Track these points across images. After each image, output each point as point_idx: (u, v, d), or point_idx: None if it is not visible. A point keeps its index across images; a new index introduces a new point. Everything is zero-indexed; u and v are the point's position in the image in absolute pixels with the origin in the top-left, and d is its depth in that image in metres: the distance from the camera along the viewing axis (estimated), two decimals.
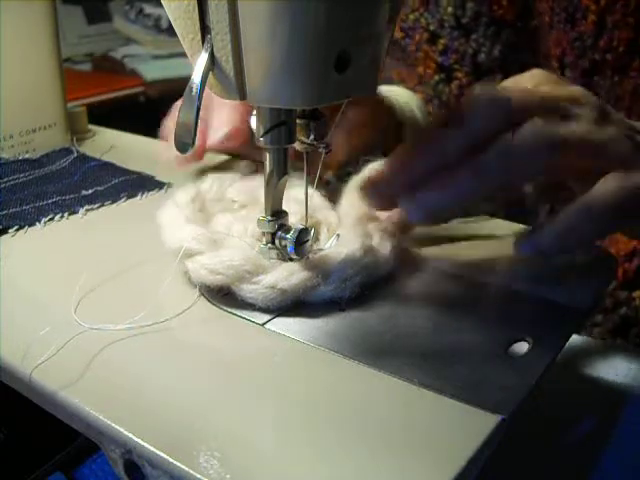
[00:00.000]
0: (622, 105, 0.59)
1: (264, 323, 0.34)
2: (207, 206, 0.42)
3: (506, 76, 0.65)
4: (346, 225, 0.41)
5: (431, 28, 0.67)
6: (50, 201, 0.49)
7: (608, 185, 0.37)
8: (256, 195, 0.44)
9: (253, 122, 0.35)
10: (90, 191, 0.51)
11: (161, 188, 0.53)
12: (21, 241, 0.44)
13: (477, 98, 0.38)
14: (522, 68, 0.64)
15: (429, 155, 0.38)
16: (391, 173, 0.38)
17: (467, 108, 0.37)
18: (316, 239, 0.39)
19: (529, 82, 0.41)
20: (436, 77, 0.68)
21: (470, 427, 0.27)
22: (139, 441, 0.26)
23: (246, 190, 0.44)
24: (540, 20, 0.62)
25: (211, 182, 0.44)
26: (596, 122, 0.38)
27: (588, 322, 0.60)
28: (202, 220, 0.40)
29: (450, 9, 0.65)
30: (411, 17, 0.68)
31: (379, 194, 0.39)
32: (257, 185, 0.44)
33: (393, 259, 0.38)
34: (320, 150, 0.37)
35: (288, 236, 0.36)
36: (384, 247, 0.38)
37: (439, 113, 0.40)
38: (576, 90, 0.40)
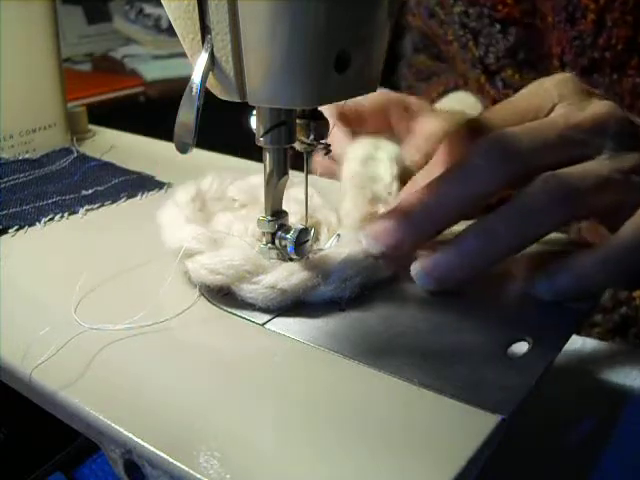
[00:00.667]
0: (622, 103, 0.58)
1: (264, 323, 0.34)
2: (207, 205, 0.42)
3: (519, 72, 0.65)
4: (347, 225, 0.41)
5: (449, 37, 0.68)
6: (50, 201, 0.49)
7: (628, 231, 0.35)
8: (256, 194, 0.44)
9: (253, 122, 0.35)
10: (90, 191, 0.51)
11: (161, 188, 0.53)
12: (21, 241, 0.44)
13: (486, 152, 0.36)
14: (535, 64, 0.65)
15: (433, 214, 0.36)
16: (395, 229, 0.36)
17: (475, 162, 0.35)
18: (316, 239, 0.39)
19: (553, 90, 0.40)
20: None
21: (470, 427, 0.27)
22: (139, 441, 0.26)
23: (247, 188, 0.44)
24: (544, 21, 0.62)
25: (211, 180, 0.44)
26: (618, 152, 0.36)
27: (587, 322, 0.60)
28: (202, 219, 0.40)
29: (457, 16, 0.66)
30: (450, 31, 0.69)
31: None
32: (258, 184, 0.44)
33: (394, 262, 0.38)
34: (320, 150, 0.37)
35: (288, 236, 0.36)
36: None
37: (445, 163, 0.39)
38: (599, 109, 0.38)
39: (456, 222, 0.37)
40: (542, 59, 0.64)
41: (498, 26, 0.64)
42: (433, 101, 0.72)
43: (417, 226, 0.36)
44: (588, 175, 0.36)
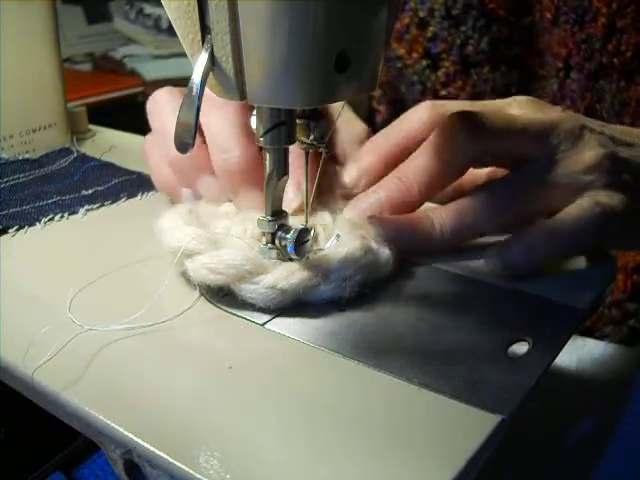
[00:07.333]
0: (627, 111, 0.58)
1: (264, 323, 0.34)
2: (202, 219, 0.42)
3: (493, 69, 0.65)
4: (344, 227, 0.41)
5: (420, 15, 0.66)
6: (50, 201, 0.49)
7: (574, 209, 0.39)
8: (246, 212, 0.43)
9: (253, 122, 0.35)
10: (90, 191, 0.52)
11: None
12: (21, 241, 0.44)
13: (457, 131, 0.39)
14: (513, 62, 0.64)
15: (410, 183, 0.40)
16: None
17: (447, 139, 0.39)
18: (315, 239, 0.39)
19: (515, 110, 0.42)
20: (423, 62, 0.68)
21: (470, 427, 0.27)
22: (139, 441, 0.26)
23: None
24: (540, 16, 0.61)
25: (204, 203, 0.44)
26: (572, 147, 0.40)
27: (598, 334, 0.60)
28: (201, 225, 0.39)
29: None
30: None
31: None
32: None
33: (393, 259, 0.38)
34: (320, 150, 0.37)
35: (288, 236, 0.36)
36: (384, 247, 0.38)
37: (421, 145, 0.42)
38: (557, 115, 0.41)
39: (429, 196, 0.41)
40: (527, 57, 0.63)
41: (483, 20, 0.63)
42: None
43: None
44: (536, 177, 0.40)
